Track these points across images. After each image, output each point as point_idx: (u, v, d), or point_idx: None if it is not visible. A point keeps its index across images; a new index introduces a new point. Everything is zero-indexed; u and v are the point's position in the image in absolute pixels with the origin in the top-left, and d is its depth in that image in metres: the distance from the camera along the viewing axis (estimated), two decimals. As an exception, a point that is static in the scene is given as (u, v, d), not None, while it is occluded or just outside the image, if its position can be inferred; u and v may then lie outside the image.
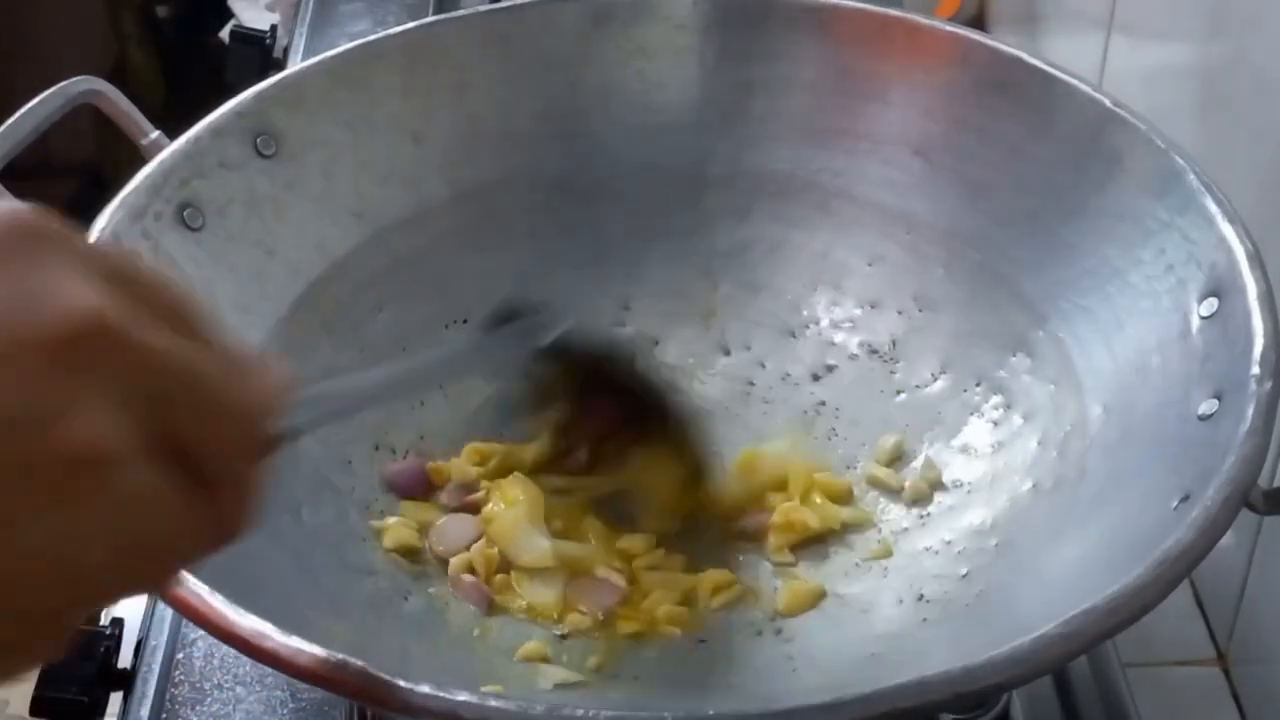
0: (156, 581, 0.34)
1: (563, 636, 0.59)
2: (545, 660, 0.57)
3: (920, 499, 0.63)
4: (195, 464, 0.32)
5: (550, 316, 0.58)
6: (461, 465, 0.64)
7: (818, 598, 0.60)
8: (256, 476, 0.34)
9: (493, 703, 0.42)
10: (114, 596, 0.32)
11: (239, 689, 0.63)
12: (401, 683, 0.43)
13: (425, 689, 0.43)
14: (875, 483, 0.64)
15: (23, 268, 0.30)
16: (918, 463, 0.64)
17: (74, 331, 0.30)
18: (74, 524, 0.30)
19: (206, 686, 0.63)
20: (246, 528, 0.34)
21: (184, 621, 0.61)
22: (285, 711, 0.62)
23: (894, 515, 0.63)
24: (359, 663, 0.43)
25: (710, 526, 0.63)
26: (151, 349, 0.31)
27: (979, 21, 1.00)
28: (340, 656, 0.43)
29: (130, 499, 0.31)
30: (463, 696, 0.42)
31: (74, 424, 0.29)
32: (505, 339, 0.58)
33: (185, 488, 0.32)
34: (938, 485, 0.63)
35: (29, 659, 0.31)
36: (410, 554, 0.61)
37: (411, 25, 0.71)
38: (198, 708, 0.62)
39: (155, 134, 0.64)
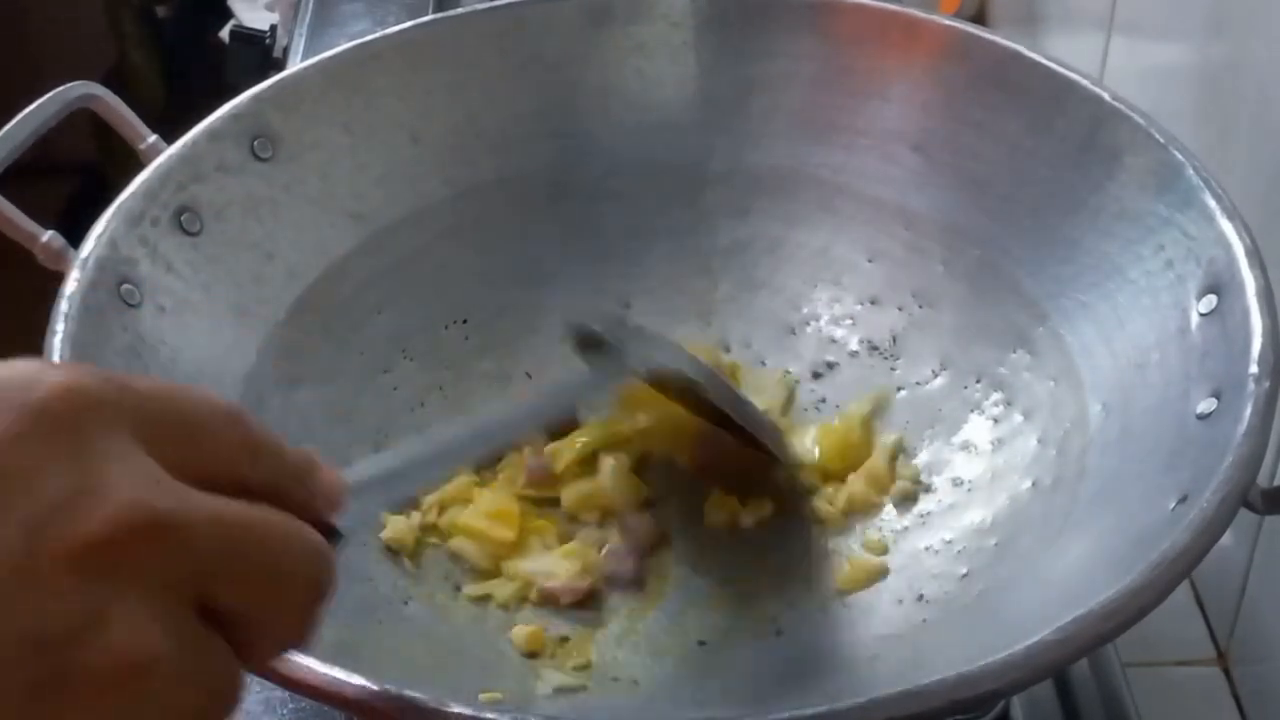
0: None
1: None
2: (547, 655, 0.57)
3: (907, 498, 0.63)
4: (243, 617, 0.31)
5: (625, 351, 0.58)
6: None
7: (880, 573, 0.60)
8: (315, 605, 0.33)
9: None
10: None
11: (239, 690, 0.63)
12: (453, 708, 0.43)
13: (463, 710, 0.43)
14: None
15: (64, 457, 0.29)
16: (910, 461, 0.64)
17: (110, 536, 0.28)
18: None
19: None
20: (300, 648, 0.34)
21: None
22: (285, 711, 0.62)
23: (893, 515, 0.63)
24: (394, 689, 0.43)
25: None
26: (195, 526, 0.30)
27: (979, 21, 1.00)
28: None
29: (181, 690, 0.30)
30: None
31: (115, 634, 0.28)
32: (558, 391, 0.58)
33: (230, 643, 0.31)
34: (919, 484, 0.63)
35: None
36: (406, 551, 0.61)
37: (408, 25, 0.71)
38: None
39: (152, 138, 0.64)
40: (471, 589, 0.60)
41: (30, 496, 0.28)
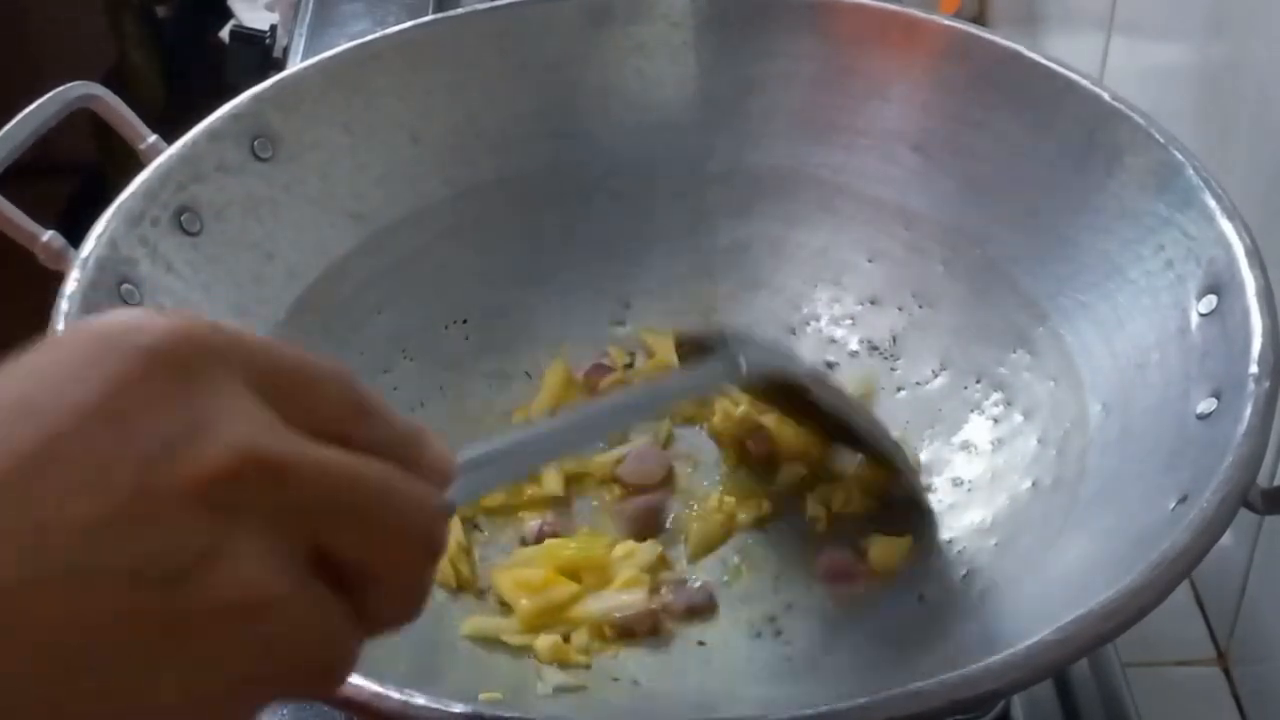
0: (322, 693, 0.33)
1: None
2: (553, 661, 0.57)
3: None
4: (358, 574, 0.31)
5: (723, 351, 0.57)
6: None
7: (907, 550, 0.60)
8: (418, 574, 0.33)
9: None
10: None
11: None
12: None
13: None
14: None
15: (178, 397, 0.29)
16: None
17: (226, 470, 0.28)
18: (239, 674, 0.29)
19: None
20: (412, 619, 0.34)
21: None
22: (285, 711, 0.62)
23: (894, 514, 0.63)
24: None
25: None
26: (308, 471, 0.30)
27: (979, 21, 1.00)
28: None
29: (295, 637, 0.30)
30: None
31: (227, 570, 0.28)
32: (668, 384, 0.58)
33: (347, 604, 0.31)
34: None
35: None
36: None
37: (408, 25, 0.71)
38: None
39: (152, 138, 0.64)
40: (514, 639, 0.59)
41: (145, 435, 0.28)
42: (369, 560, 0.31)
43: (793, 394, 0.60)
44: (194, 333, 0.29)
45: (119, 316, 0.30)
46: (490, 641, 0.58)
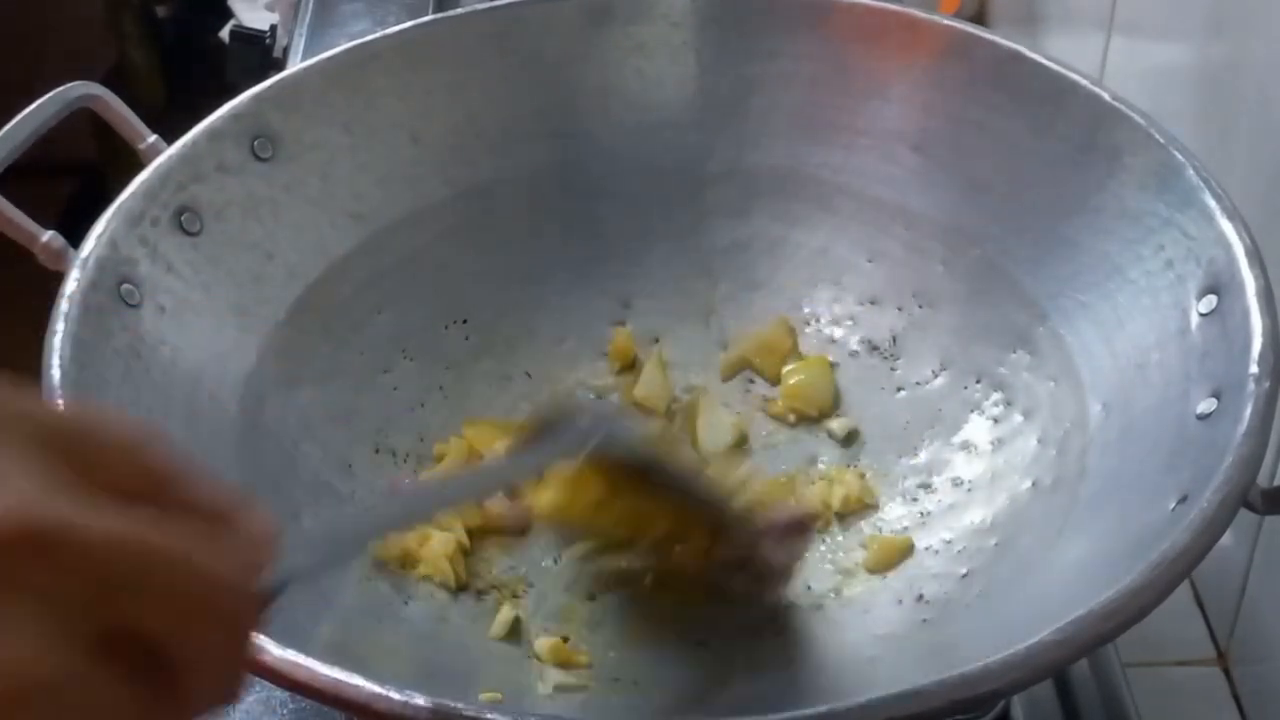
0: None
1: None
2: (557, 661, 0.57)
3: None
4: (157, 653, 0.29)
5: (584, 425, 0.54)
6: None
7: (908, 549, 0.60)
8: (227, 656, 0.30)
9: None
10: None
11: (240, 690, 0.63)
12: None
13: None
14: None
15: None
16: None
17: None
18: None
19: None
20: (228, 703, 0.31)
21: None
22: (285, 712, 0.62)
23: (894, 515, 0.63)
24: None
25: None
26: (93, 537, 0.27)
27: (979, 21, 1.00)
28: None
29: (69, 703, 0.27)
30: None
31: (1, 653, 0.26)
32: (512, 461, 0.55)
33: (147, 685, 0.28)
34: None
35: None
36: (402, 563, 0.60)
37: (408, 25, 0.71)
38: (198, 709, 0.62)
39: (152, 138, 0.64)
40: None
41: None
42: (169, 640, 0.29)
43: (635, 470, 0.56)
44: None
45: None
46: (491, 641, 0.58)
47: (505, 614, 0.58)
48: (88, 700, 0.27)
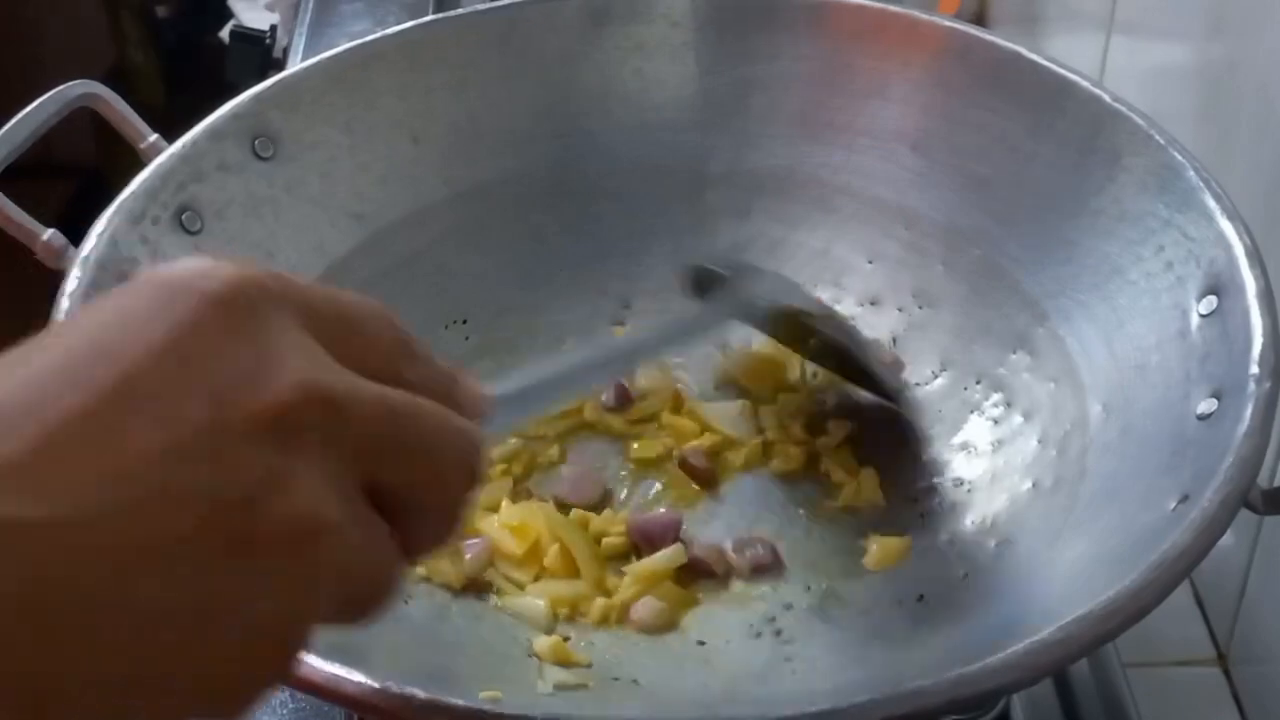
0: (366, 618, 0.33)
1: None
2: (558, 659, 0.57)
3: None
4: (404, 502, 0.33)
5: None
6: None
7: (907, 550, 0.60)
8: (462, 501, 0.35)
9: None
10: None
11: (240, 690, 0.63)
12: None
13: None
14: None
15: (244, 338, 0.30)
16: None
17: (287, 406, 0.30)
18: (296, 598, 0.30)
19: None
20: (444, 545, 0.35)
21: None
22: (285, 712, 0.62)
23: (894, 514, 0.62)
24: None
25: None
26: (366, 405, 0.32)
27: (979, 21, 1.00)
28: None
29: (350, 561, 0.31)
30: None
31: (289, 499, 0.30)
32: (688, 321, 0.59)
33: (395, 532, 0.33)
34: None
35: (246, 709, 0.31)
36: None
37: (408, 25, 0.71)
38: (198, 709, 0.62)
39: (153, 137, 0.64)
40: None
41: (214, 373, 0.30)
42: (417, 489, 0.33)
43: (800, 328, 0.61)
44: (256, 279, 0.31)
45: (186, 265, 0.31)
46: (491, 640, 0.58)
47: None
48: (365, 541, 0.32)
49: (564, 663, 0.57)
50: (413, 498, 0.33)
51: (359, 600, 0.33)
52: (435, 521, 0.34)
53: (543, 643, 0.57)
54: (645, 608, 0.59)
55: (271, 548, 0.29)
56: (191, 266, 0.31)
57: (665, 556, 0.60)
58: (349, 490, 0.31)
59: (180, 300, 0.30)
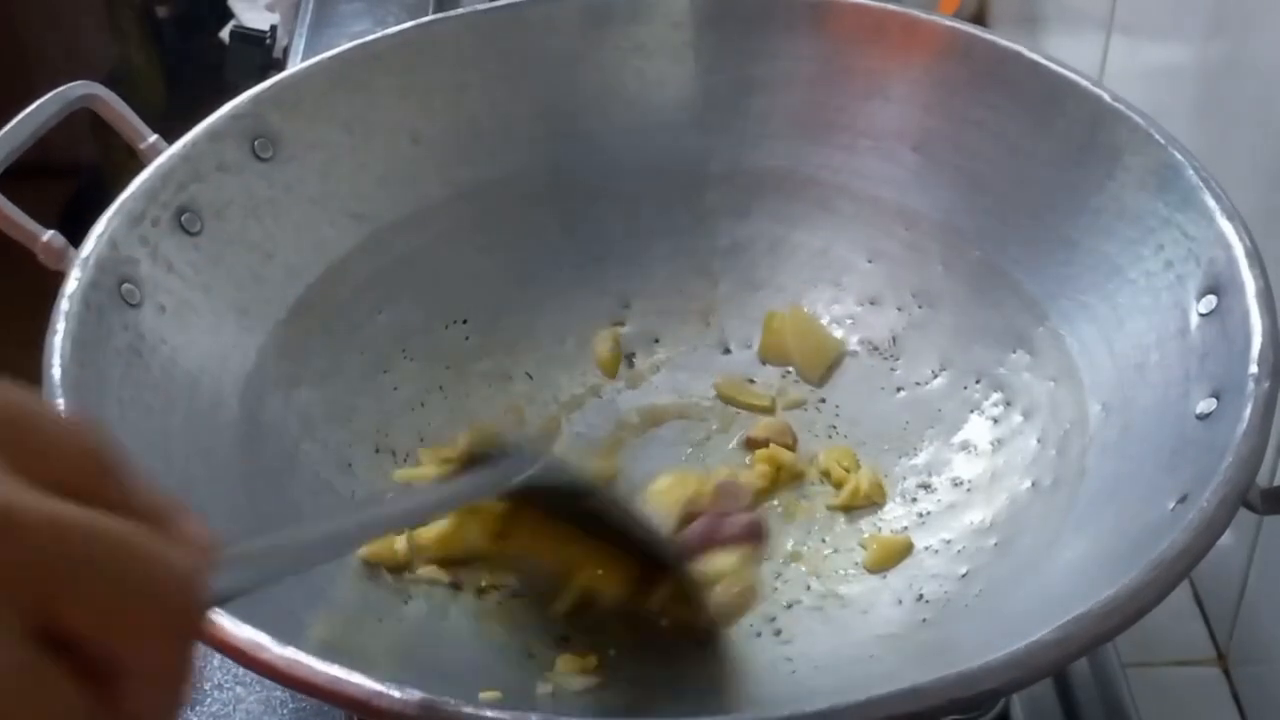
0: None
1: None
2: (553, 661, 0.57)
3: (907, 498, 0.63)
4: (95, 657, 0.27)
5: (521, 457, 0.53)
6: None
7: (907, 549, 0.60)
8: (175, 660, 0.28)
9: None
10: None
11: (239, 689, 0.63)
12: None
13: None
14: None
15: None
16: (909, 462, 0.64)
17: None
18: None
19: (206, 686, 0.63)
20: (176, 714, 0.29)
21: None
22: (285, 712, 0.62)
23: (893, 515, 0.63)
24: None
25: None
26: (33, 527, 0.26)
27: (979, 21, 1.00)
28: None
29: (12, 697, 0.26)
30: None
31: None
32: (460, 485, 0.53)
33: (84, 686, 0.27)
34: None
35: None
36: (388, 564, 0.59)
37: (408, 25, 0.71)
38: (197, 708, 0.62)
39: (153, 138, 0.64)
40: None
41: None
42: (110, 638, 0.27)
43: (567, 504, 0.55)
44: None
45: None
46: (491, 640, 0.58)
47: None
48: (36, 695, 0.26)
49: (565, 663, 0.57)
50: (109, 652, 0.27)
51: None
52: (144, 685, 0.28)
53: (543, 643, 0.57)
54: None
55: None
56: None
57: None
58: (10, 632, 0.26)
59: None
